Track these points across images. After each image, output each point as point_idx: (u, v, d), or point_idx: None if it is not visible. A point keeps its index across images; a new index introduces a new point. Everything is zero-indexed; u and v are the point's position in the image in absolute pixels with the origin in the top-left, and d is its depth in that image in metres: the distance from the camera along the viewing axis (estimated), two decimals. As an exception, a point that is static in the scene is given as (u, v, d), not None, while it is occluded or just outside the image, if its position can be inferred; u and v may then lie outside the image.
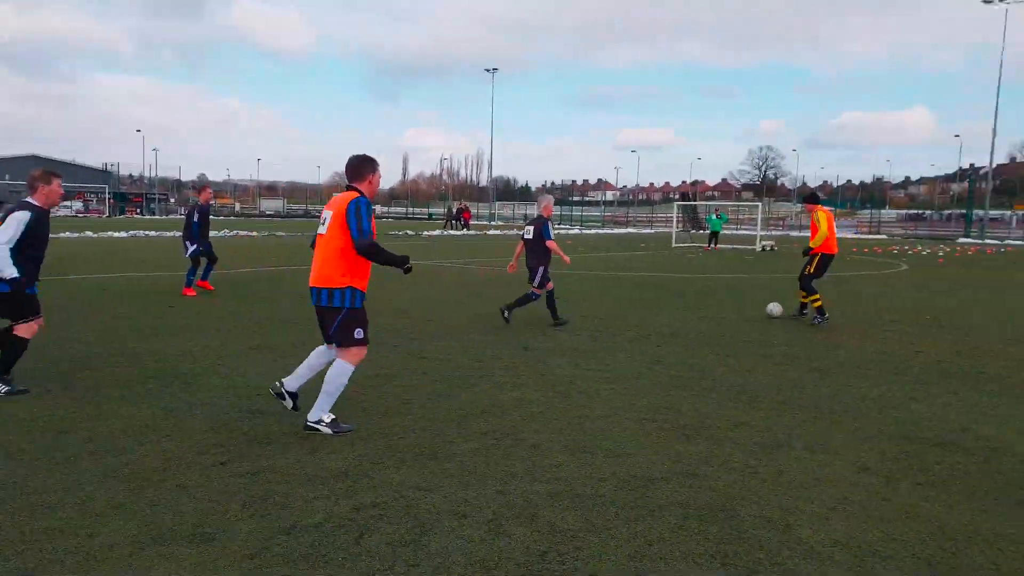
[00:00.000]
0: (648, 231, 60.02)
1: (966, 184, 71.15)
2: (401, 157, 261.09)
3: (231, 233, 36.87)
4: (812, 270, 10.63)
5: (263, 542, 3.44)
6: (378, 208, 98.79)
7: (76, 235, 32.66)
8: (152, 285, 13.96)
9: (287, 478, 4.24)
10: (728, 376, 7.11)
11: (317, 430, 5.04)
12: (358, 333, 5.10)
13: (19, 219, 5.73)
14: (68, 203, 72.30)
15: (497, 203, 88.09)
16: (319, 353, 5.30)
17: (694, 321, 10.56)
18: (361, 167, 5.13)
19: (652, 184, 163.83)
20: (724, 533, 3.64)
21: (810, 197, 11.41)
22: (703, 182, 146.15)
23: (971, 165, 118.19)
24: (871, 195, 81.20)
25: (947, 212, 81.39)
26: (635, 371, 7.22)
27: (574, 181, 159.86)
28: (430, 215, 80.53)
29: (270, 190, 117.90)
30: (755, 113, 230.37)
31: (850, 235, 52.06)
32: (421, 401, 5.96)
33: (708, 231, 33.32)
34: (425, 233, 44.12)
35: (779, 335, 9.50)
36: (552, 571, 3.24)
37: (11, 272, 5.68)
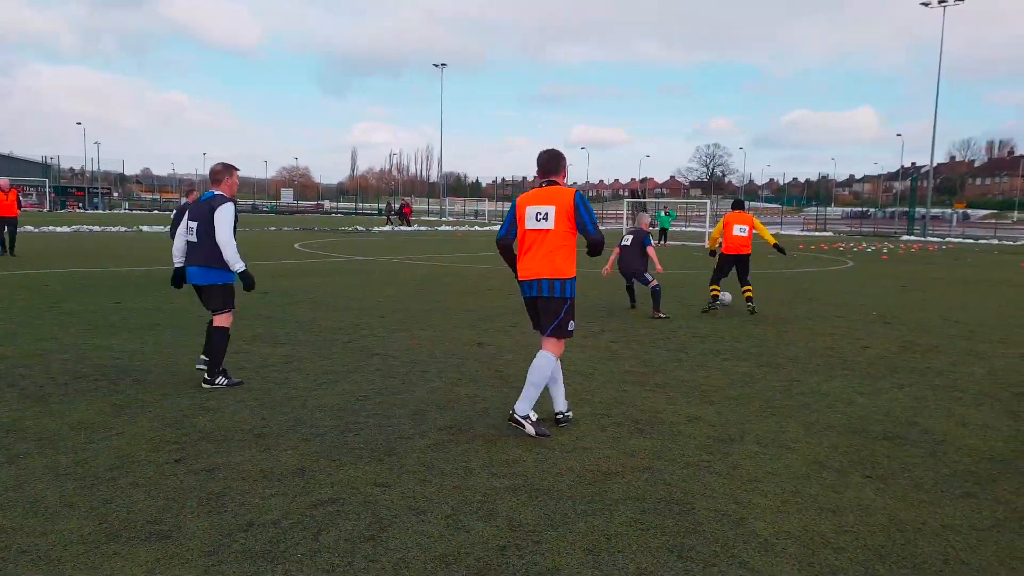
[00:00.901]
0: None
1: (908, 182, 73.28)
2: (350, 152, 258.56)
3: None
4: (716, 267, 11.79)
5: (220, 539, 3.38)
6: (326, 203, 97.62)
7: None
8: (99, 280, 13.55)
9: (243, 475, 4.16)
10: (680, 372, 7.21)
11: (522, 427, 5.02)
12: (571, 326, 5.15)
13: (229, 211, 6.01)
14: (6, 196, 69.70)
15: (448, 199, 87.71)
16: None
17: (645, 317, 10.67)
18: (559, 160, 5.24)
19: (602, 181, 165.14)
20: (680, 526, 3.69)
21: (735, 203, 12.62)
22: (652, 179, 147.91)
23: (913, 164, 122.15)
24: (817, 193, 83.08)
25: (890, 210, 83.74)
26: (589, 367, 7.27)
27: (524, 177, 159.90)
28: (379, 211, 79.91)
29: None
30: (705, 111, 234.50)
31: (797, 232, 53.21)
32: (376, 397, 5.91)
33: (658, 228, 33.68)
34: (376, 229, 43.75)
35: (729, 331, 9.67)
36: (512, 565, 3.24)
37: (240, 266, 6.03)
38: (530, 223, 5.08)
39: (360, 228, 43.20)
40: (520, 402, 5.06)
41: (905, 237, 49.08)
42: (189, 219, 6.19)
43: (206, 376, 6.10)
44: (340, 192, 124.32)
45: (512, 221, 5.24)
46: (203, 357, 6.32)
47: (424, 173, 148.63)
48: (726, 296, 11.69)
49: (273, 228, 40.29)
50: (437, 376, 6.68)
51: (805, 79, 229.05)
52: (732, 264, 11.47)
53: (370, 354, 7.55)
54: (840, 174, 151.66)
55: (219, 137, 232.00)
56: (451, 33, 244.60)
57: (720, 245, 11.65)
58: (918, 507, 4.02)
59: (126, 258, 18.51)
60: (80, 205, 72.70)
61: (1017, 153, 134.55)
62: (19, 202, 18.46)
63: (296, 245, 26.13)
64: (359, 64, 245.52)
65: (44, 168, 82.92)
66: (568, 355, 7.79)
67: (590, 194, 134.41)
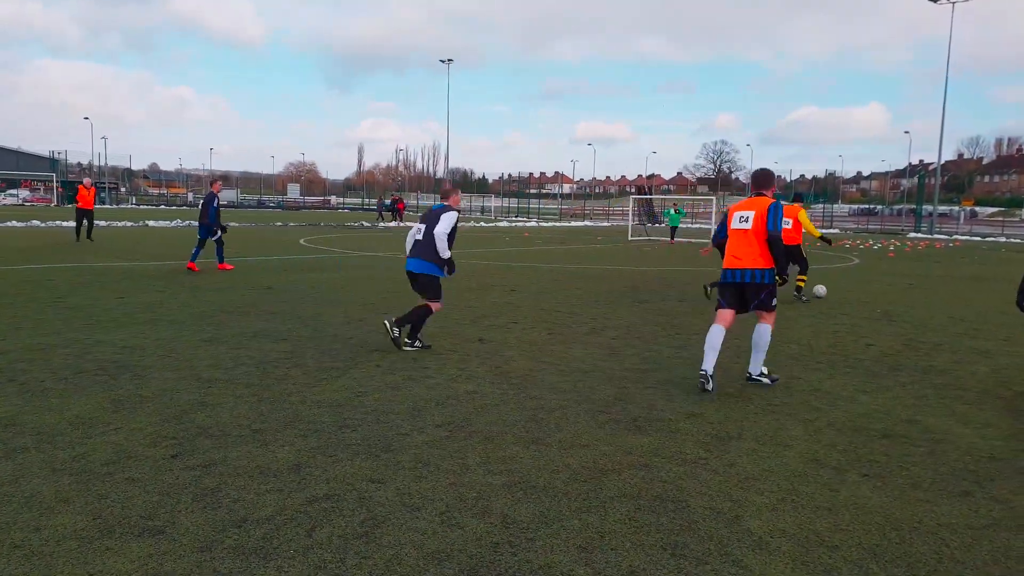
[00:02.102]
0: (604, 224, 60.40)
1: (916, 180, 72.94)
2: (356, 148, 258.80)
3: (184, 223, 36.12)
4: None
5: (214, 535, 3.39)
6: (333, 199, 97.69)
7: (23, 224, 31.67)
8: (100, 276, 13.61)
9: (239, 471, 4.17)
10: (681, 369, 7.20)
11: (760, 381, 6.52)
12: (775, 302, 6.62)
13: (453, 217, 7.54)
14: (14, 191, 70.13)
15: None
16: (718, 334, 6.45)
17: (649, 314, 10.66)
18: (768, 178, 6.70)
19: (608, 178, 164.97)
20: (674, 524, 3.68)
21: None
22: (659, 176, 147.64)
23: (921, 161, 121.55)
24: (824, 190, 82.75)
25: (898, 207, 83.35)
26: (590, 364, 7.26)
27: (531, 174, 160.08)
28: (385, 206, 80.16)
29: (223, 180, 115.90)
30: (711, 108, 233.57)
31: (804, 230, 53.00)
32: (375, 393, 5.92)
33: (664, 224, 33.57)
34: (381, 224, 43.78)
35: (732, 327, 9.62)
36: (505, 563, 3.24)
37: (447, 254, 7.51)
38: (735, 224, 6.49)
39: (366, 224, 43.25)
40: (752, 365, 6.67)
41: (912, 234, 48.85)
42: (420, 222, 7.74)
43: (394, 331, 7.48)
44: (347, 188, 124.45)
45: (724, 224, 6.71)
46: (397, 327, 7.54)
47: (431, 169, 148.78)
48: (820, 289, 12.94)
49: (279, 224, 40.41)
50: (437, 373, 6.68)
51: (812, 76, 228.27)
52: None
53: (371, 350, 7.56)
54: (848, 171, 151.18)
55: (225, 132, 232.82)
56: (454, 29, 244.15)
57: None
58: (915, 505, 4.00)
59: (131, 253, 18.57)
60: None
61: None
62: (97, 198, 23.36)
63: (302, 241, 26.17)
64: (363, 60, 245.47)
65: (52, 163, 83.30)
66: (569, 352, 7.80)
67: (596, 190, 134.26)
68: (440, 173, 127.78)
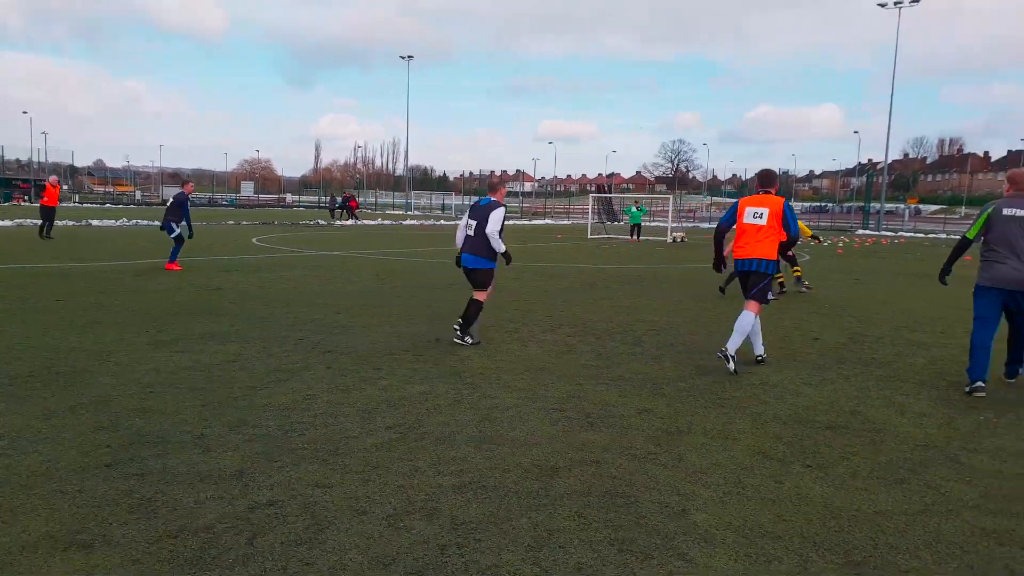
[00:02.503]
0: (565, 222, 60.61)
1: (864, 179, 74.68)
2: (313, 144, 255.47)
3: (130, 223, 35.23)
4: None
5: (147, 547, 3.28)
6: (288, 197, 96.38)
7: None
8: (36, 277, 13.17)
9: (177, 479, 4.06)
10: (635, 364, 7.24)
11: (727, 361, 6.93)
12: (770, 295, 7.36)
13: (501, 212, 8.00)
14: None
15: (414, 192, 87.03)
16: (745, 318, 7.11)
17: (605, 311, 10.71)
18: (772, 177, 7.51)
19: (570, 176, 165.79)
20: (623, 520, 3.69)
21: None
22: (618, 174, 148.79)
23: (869, 160, 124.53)
24: (778, 188, 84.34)
25: (847, 205, 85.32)
26: (546, 362, 7.26)
27: (492, 171, 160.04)
28: (337, 204, 79.27)
29: (173, 177, 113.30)
30: (672, 106, 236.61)
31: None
32: (324, 395, 5.82)
33: (624, 223, 33.71)
34: (337, 222, 43.27)
35: (685, 324, 9.75)
36: (452, 564, 3.21)
37: (502, 248, 8.04)
38: (748, 219, 7.16)
39: (322, 222, 42.71)
40: (730, 343, 7.03)
41: (860, 231, 50.01)
42: (470, 218, 8.06)
43: (458, 333, 8.05)
44: (304, 185, 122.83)
45: (733, 215, 7.36)
46: (459, 321, 8.14)
47: (390, 166, 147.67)
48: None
49: (231, 222, 39.63)
50: (389, 374, 6.61)
51: (771, 76, 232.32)
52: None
53: (322, 351, 7.45)
54: (801, 170, 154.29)
55: (177, 128, 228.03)
56: (421, 24, 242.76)
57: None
58: (854, 494, 4.08)
59: (72, 253, 18.03)
60: (27, 198, 70.50)
61: (966, 151, 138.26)
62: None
63: (254, 240, 25.73)
64: (327, 55, 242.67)
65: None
66: (525, 350, 7.80)
67: (557, 188, 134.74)
68: (400, 171, 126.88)
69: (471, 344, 7.98)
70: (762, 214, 7.11)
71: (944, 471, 4.49)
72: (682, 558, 3.31)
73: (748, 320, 7.08)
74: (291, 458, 4.44)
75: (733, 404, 5.89)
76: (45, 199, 22.51)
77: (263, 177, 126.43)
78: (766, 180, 7.42)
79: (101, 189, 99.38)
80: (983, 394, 6.31)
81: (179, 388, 5.91)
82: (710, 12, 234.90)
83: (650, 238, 34.38)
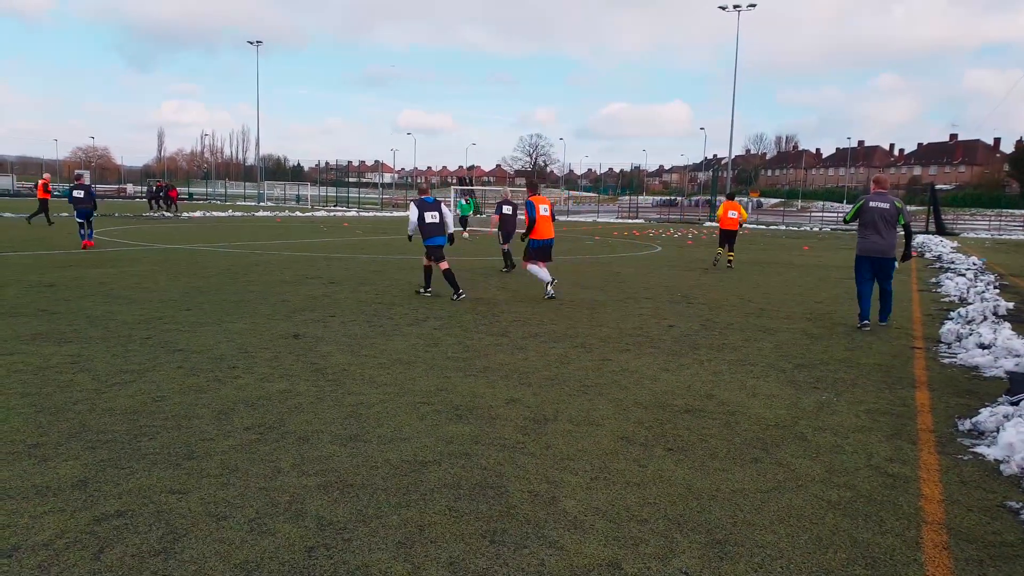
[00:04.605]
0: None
1: (710, 173, 79.06)
2: (156, 132, 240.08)
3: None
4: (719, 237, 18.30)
5: (-26, 571, 2.96)
6: (129, 187, 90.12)
7: None
8: None
9: (9, 492, 3.69)
10: (501, 355, 7.30)
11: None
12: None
13: (447, 207, 11.31)
14: None
15: (267, 183, 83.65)
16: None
17: (468, 303, 10.73)
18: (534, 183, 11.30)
19: (430, 168, 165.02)
20: (494, 511, 3.70)
21: (729, 195, 19.41)
22: (479, 167, 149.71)
23: (715, 156, 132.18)
24: (630, 182, 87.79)
25: (695, 198, 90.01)
26: (412, 355, 7.18)
27: (350, 162, 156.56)
28: (190, 195, 74.92)
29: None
30: (530, 101, 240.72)
31: (612, 219, 55.88)
32: (176, 397, 5.48)
33: (485, 215, 33.84)
34: (184, 214, 40.94)
35: (547, 314, 9.93)
36: (320, 567, 3.10)
37: (452, 229, 11.48)
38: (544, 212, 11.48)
39: (167, 214, 40.26)
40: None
41: (708, 224, 52.87)
42: (429, 211, 11.04)
43: (457, 295, 10.95)
44: (146, 175, 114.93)
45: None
46: (454, 291, 11.03)
47: (240, 155, 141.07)
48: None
49: (65, 215, 36.59)
50: (246, 372, 6.31)
51: (624, 73, 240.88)
52: (726, 236, 17.79)
53: (172, 350, 7.01)
54: (652, 164, 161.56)
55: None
56: (272, 7, 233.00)
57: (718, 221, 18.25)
58: (713, 475, 4.30)
59: None
60: None
61: (800, 148, 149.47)
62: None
63: (92, 233, 23.85)
64: (167, 36, 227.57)
65: None
66: (390, 344, 7.67)
67: (418, 180, 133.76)
68: (251, 160, 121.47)
69: (463, 296, 10.96)
70: (550, 208, 11.65)
71: (793, 448, 4.81)
72: (553, 546, 3.36)
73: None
74: (141, 464, 4.14)
75: (595, 391, 6.06)
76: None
77: (100, 166, 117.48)
78: (531, 181, 10.87)
79: None
80: (868, 327, 9.31)
81: (7, 394, 5.38)
82: (565, 9, 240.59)
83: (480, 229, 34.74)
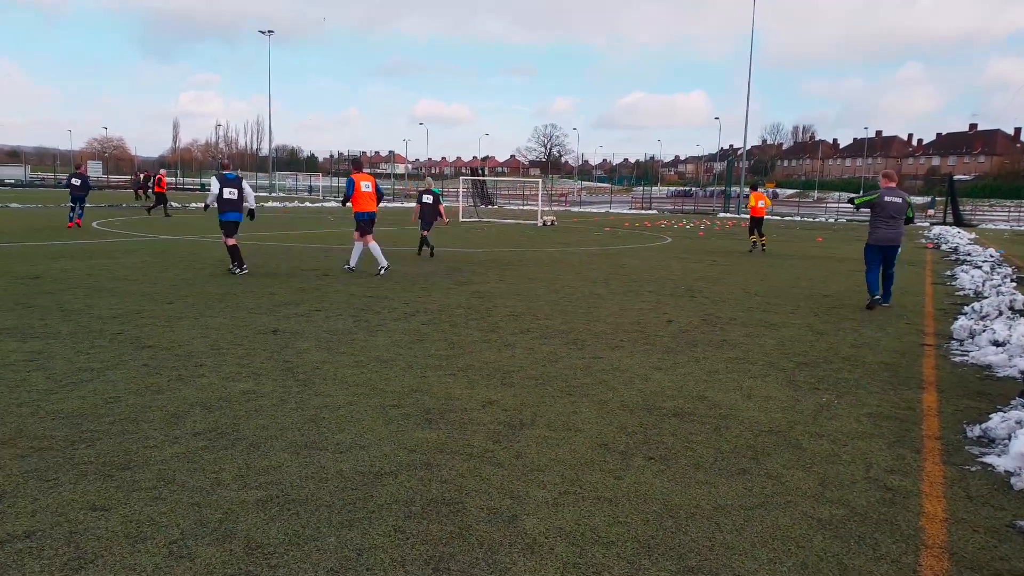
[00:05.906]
0: (438, 205, 59.90)
1: (726, 164, 78.07)
2: (171, 123, 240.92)
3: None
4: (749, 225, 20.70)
5: None
6: (141, 177, 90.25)
7: None
8: None
9: (-87, 510, 3.37)
10: (487, 353, 6.94)
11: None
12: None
13: (247, 183, 12.30)
14: None
15: (279, 174, 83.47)
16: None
17: (463, 297, 10.37)
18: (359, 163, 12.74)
19: (444, 158, 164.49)
20: (445, 532, 3.34)
21: (753, 184, 23.58)
22: (493, 158, 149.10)
23: (731, 146, 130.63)
24: (645, 173, 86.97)
25: (710, 189, 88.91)
26: (392, 353, 6.83)
27: (364, 152, 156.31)
28: (202, 185, 74.82)
29: (12, 156, 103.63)
30: (550, 92, 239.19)
31: (625, 211, 55.25)
32: (130, 398, 5.16)
33: (496, 207, 33.62)
34: (193, 205, 40.77)
35: (543, 309, 9.55)
36: (237, 600, 2.76)
37: (254, 207, 12.67)
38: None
39: (175, 204, 40.10)
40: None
41: (722, 214, 52.17)
42: (230, 187, 11.71)
43: (235, 270, 11.80)
44: (161, 165, 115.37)
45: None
46: (238, 266, 11.92)
47: (255, 146, 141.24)
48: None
49: (69, 204, 36.48)
50: (213, 370, 5.98)
51: (644, 63, 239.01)
52: (756, 223, 20.11)
53: (140, 347, 6.70)
54: (667, 155, 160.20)
55: (8, 102, 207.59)
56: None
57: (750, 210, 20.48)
58: (694, 488, 3.91)
59: None
60: None
61: (817, 138, 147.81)
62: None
63: (94, 224, 23.75)
64: (189, 28, 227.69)
65: None
66: (372, 340, 7.33)
67: (431, 171, 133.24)
68: (264, 151, 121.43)
69: (239, 271, 11.79)
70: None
71: (785, 458, 4.42)
72: (504, 573, 3.00)
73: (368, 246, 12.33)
74: (69, 475, 3.81)
75: (581, 391, 5.69)
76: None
77: (116, 157, 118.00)
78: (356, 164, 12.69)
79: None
80: (880, 300, 10.30)
81: None
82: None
83: (522, 222, 34.40)
